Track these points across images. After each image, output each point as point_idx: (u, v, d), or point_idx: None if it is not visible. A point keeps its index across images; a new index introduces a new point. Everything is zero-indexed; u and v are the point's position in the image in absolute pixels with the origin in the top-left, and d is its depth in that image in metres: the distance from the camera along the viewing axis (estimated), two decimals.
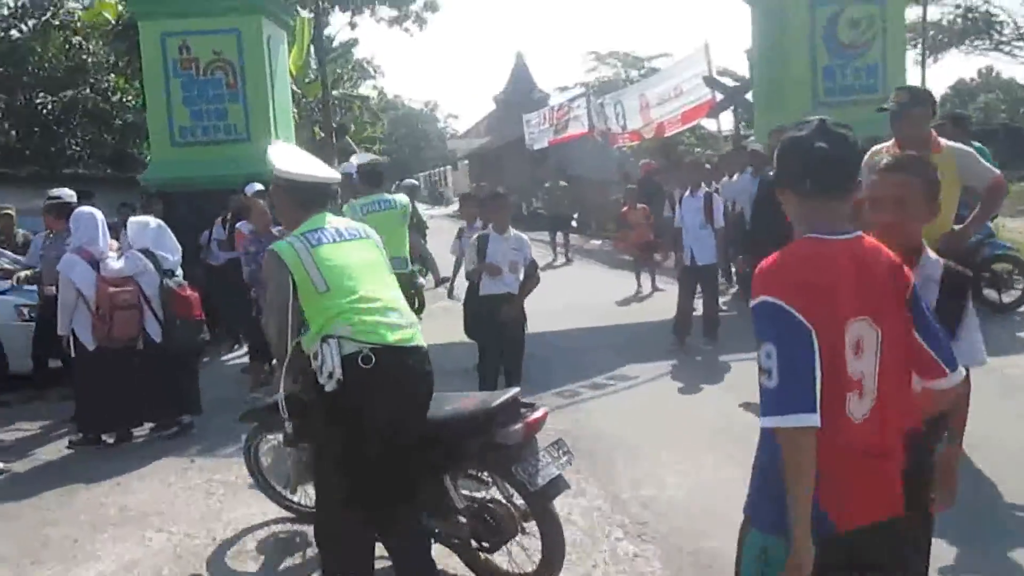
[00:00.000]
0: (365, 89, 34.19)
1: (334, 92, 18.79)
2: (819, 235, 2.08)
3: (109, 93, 23.12)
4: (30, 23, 24.59)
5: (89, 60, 23.90)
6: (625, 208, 13.25)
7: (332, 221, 3.46)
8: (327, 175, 3.62)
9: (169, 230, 6.81)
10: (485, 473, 3.67)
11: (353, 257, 3.36)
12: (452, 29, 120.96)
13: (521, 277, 6.02)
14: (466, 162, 42.03)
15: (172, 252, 6.70)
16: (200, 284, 8.23)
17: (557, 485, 3.49)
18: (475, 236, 6.25)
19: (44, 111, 22.86)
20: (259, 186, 8.69)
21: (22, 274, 8.32)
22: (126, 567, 4.26)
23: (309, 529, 4.03)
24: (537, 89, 48.89)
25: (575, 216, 19.08)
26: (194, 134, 11.07)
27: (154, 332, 6.50)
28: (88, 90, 22.90)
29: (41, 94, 23.02)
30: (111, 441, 6.32)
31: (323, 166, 3.68)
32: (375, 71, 32.82)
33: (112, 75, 23.48)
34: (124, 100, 23.13)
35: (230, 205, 9.60)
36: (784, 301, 1.98)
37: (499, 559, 3.73)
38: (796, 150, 2.13)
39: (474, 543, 3.62)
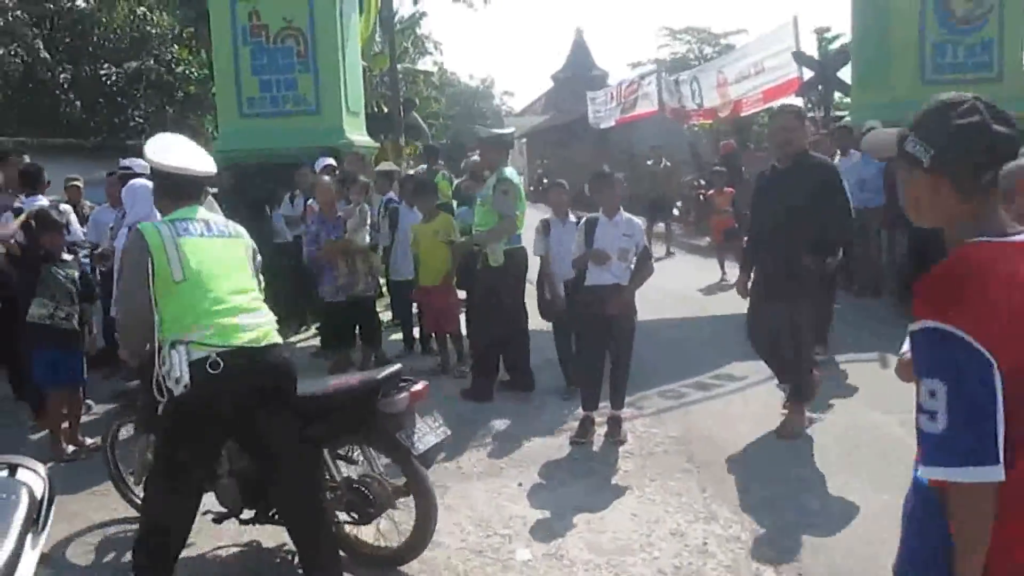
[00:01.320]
0: (425, 64, 33.78)
1: (399, 66, 18.23)
2: (993, 238, 1.70)
3: (172, 64, 23.01)
4: None
5: (153, 31, 23.81)
6: (711, 191, 12.52)
7: (202, 215, 3.41)
8: (201, 168, 3.48)
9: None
10: (357, 452, 3.88)
11: (215, 254, 3.30)
12: (509, 4, 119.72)
13: (632, 266, 5.39)
14: (524, 141, 41.43)
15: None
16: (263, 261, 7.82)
17: (435, 451, 3.79)
18: (583, 220, 5.63)
19: (108, 82, 22.85)
20: (330, 161, 8.22)
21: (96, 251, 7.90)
22: None
23: None
24: (596, 67, 48.12)
25: (677, 204, 17.83)
26: (263, 105, 10.59)
27: None
28: (152, 61, 22.78)
29: (106, 65, 22.99)
30: None
31: (201, 158, 3.54)
32: (436, 46, 32.28)
33: (176, 46, 23.34)
34: (187, 72, 22.99)
35: (297, 180, 9.17)
36: (954, 325, 1.58)
37: (367, 533, 3.88)
38: (978, 138, 1.70)
39: (346, 516, 3.75)
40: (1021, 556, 1.64)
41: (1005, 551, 1.62)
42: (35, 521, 2.43)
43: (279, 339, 3.38)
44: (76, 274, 5.55)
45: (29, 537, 2.38)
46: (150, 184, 5.88)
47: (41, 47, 22.63)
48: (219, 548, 4.09)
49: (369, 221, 6.86)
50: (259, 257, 3.60)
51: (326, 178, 7.03)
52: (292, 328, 9.35)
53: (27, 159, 7.07)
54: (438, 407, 5.51)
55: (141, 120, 23.85)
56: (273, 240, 9.00)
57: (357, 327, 7.10)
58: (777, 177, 5.33)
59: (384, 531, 3.89)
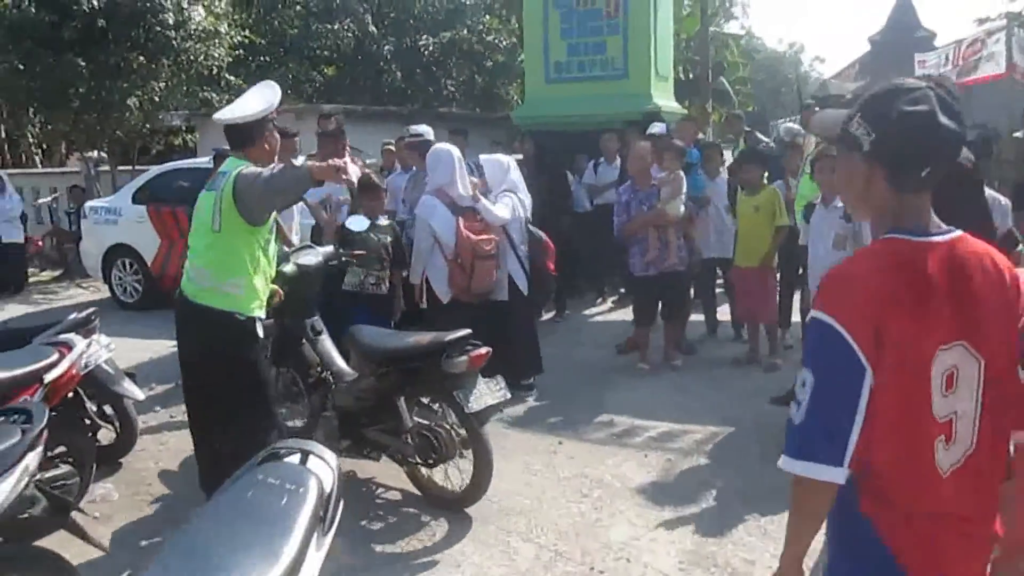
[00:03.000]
0: (731, 28, 32.17)
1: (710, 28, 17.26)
2: (907, 235, 1.62)
3: (483, 34, 23.71)
4: None
5: (467, 2, 24.73)
6: None
7: (225, 167, 3.66)
8: (241, 112, 3.64)
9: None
10: (437, 405, 4.24)
11: (199, 206, 3.69)
12: None
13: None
14: None
15: (527, 195, 6.00)
16: (563, 230, 7.51)
17: (490, 411, 4.08)
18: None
19: (426, 52, 24.07)
20: (661, 126, 7.70)
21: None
22: None
23: None
24: (922, 27, 43.12)
25: None
26: (569, 70, 10.36)
27: (522, 283, 5.83)
28: (465, 31, 23.66)
29: (424, 37, 24.25)
30: None
31: (237, 108, 3.71)
32: (744, 9, 30.59)
33: (487, 16, 24.06)
34: (496, 41, 23.60)
35: (602, 146, 8.79)
36: (840, 323, 1.56)
37: (437, 476, 4.25)
38: (920, 131, 1.56)
39: (418, 460, 4.13)
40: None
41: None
42: (322, 519, 2.17)
43: (204, 302, 3.62)
44: (389, 239, 5.50)
45: (315, 536, 2.13)
46: (453, 149, 5.79)
47: (370, 21, 24.40)
48: None
49: (684, 190, 6.26)
50: (255, 183, 3.50)
51: (642, 143, 6.51)
52: (588, 300, 9.07)
53: (331, 124, 7.20)
54: (738, 404, 4.88)
55: (453, 89, 24.94)
56: (573, 209, 8.74)
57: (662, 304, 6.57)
58: None
59: (451, 476, 4.22)
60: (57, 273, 12.83)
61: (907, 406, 1.59)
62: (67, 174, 15.51)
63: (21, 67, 11.51)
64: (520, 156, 8.59)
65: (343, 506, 2.36)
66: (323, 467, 2.32)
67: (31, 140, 18.44)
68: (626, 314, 8.21)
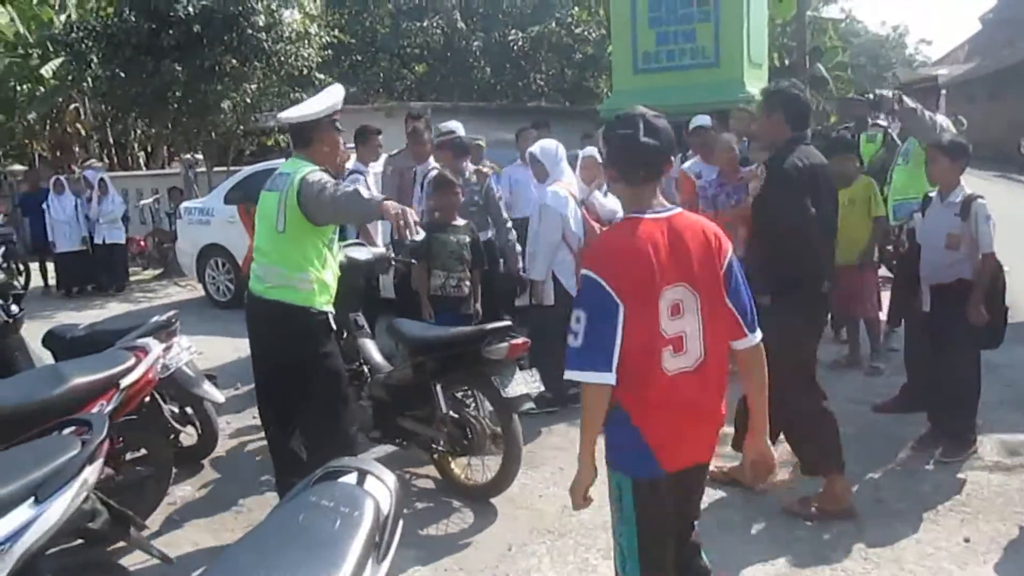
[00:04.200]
0: (830, 12, 30.97)
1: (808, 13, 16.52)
2: (640, 214, 2.39)
3: (572, 26, 23.45)
4: None
5: None
6: None
7: (286, 166, 3.69)
8: (300, 115, 3.69)
9: None
10: (471, 399, 4.33)
11: (263, 206, 3.69)
12: None
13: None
14: (943, 93, 36.33)
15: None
16: None
17: (524, 399, 4.11)
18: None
19: (515, 47, 23.97)
20: (704, 119, 7.34)
21: None
22: None
23: None
24: None
25: None
26: (658, 59, 10.06)
27: None
28: (554, 24, 23.44)
29: (512, 31, 24.15)
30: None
31: (301, 108, 3.80)
32: None
33: (576, 8, 23.78)
34: (585, 33, 23.31)
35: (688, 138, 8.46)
36: (600, 276, 2.29)
37: (461, 466, 4.37)
38: (629, 147, 2.38)
39: (449, 448, 4.21)
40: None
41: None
42: (377, 544, 2.03)
43: (276, 297, 3.60)
44: (467, 239, 5.33)
45: (370, 563, 1.99)
46: (558, 144, 5.58)
47: (459, 18, 24.45)
48: None
49: None
50: (321, 194, 3.46)
51: (727, 135, 6.20)
52: None
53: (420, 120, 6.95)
54: (837, 412, 4.60)
55: (542, 83, 24.76)
56: None
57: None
58: None
59: (474, 467, 4.34)
60: (157, 272, 13.27)
61: (642, 327, 2.28)
62: (169, 176, 16.04)
63: (122, 74, 11.92)
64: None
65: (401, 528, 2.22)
66: (381, 488, 2.18)
67: (135, 143, 19.18)
68: None
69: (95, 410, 3.55)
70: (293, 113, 3.71)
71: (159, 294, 11.61)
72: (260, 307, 3.66)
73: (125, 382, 3.66)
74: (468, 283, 5.35)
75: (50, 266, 12.09)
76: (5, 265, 5.27)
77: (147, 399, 4.09)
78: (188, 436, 4.84)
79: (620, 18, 10.45)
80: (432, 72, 25.61)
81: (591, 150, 5.80)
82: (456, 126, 6.36)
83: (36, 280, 12.22)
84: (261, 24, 12.04)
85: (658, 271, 2.28)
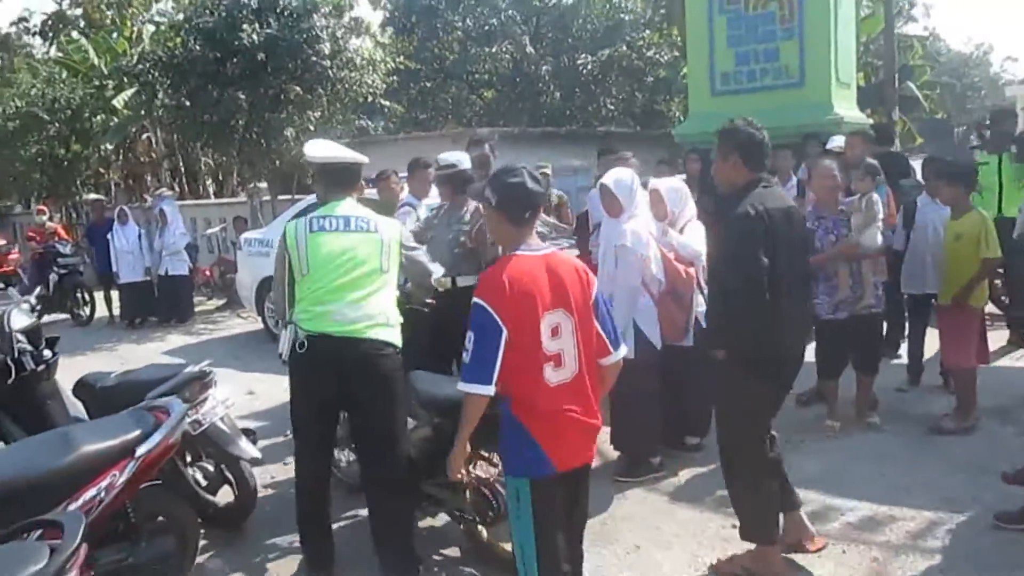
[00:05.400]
0: (913, 29, 29.77)
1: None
2: (523, 251, 2.82)
3: (644, 49, 22.93)
4: None
5: (626, 18, 24.03)
6: None
7: (345, 209, 3.75)
8: (354, 157, 3.88)
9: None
10: (497, 458, 3.89)
11: (342, 247, 3.65)
12: None
13: None
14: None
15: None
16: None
17: None
18: None
19: (584, 71, 23.58)
20: (838, 140, 6.70)
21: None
22: None
23: None
24: None
25: None
26: (737, 80, 9.44)
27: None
28: (624, 47, 22.96)
29: (582, 55, 23.76)
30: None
31: (348, 152, 3.92)
32: (927, 10, 28.14)
33: (647, 31, 23.26)
34: (657, 56, 22.76)
35: (776, 164, 7.82)
36: (489, 304, 2.70)
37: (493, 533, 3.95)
38: (519, 190, 2.82)
39: (475, 517, 3.87)
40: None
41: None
42: None
43: (376, 336, 3.62)
44: None
45: None
46: (635, 182, 4.99)
47: (527, 43, 24.21)
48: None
49: (881, 215, 5.26)
50: (408, 249, 3.91)
51: (827, 161, 5.54)
52: None
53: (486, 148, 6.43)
54: (960, 479, 3.90)
55: (612, 107, 24.27)
56: None
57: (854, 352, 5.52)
58: None
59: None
60: (221, 302, 13.11)
61: (527, 346, 2.71)
62: (237, 204, 15.99)
63: (188, 103, 11.84)
64: (684, 175, 7.79)
65: None
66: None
67: (205, 172, 19.30)
68: (808, 356, 7.19)
69: (106, 482, 3.13)
70: (350, 158, 3.87)
71: (220, 326, 11.40)
72: (350, 347, 3.58)
73: (142, 449, 3.24)
74: None
75: (115, 296, 12.00)
76: (39, 306, 4.91)
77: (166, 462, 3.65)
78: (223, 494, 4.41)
79: (697, 38, 9.89)
80: (501, 98, 25.39)
81: (657, 182, 5.20)
82: (459, 158, 5.43)
83: (101, 310, 12.15)
84: (326, 52, 11.82)
85: (539, 299, 2.71)
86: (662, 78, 23.02)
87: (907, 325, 6.57)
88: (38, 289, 5.39)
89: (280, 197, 14.10)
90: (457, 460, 2.93)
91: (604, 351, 2.90)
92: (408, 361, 3.90)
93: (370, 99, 13.20)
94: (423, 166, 5.77)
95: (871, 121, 10.60)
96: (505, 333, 2.67)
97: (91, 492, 3.09)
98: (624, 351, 2.99)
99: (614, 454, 5.03)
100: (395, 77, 15.37)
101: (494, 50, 24.04)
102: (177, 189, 18.63)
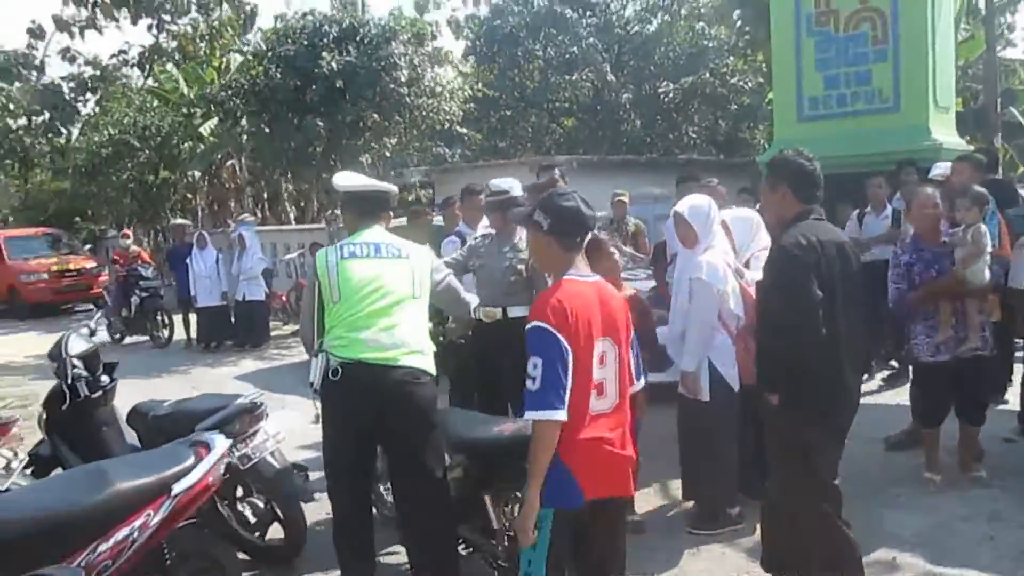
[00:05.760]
0: (1009, 54, 28.37)
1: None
2: (576, 276, 2.76)
3: (727, 76, 22.44)
4: (660, 16, 25.31)
5: (709, 44, 23.62)
6: None
7: (375, 236, 3.71)
8: (382, 186, 3.94)
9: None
10: None
11: (374, 273, 3.60)
12: None
13: None
14: None
15: None
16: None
17: None
18: None
19: (666, 99, 23.22)
20: (943, 167, 6.25)
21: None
22: None
23: None
24: None
25: None
26: (826, 105, 8.99)
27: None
28: (707, 75, 22.52)
29: (664, 83, 23.42)
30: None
31: (378, 182, 4.01)
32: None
33: (731, 57, 22.78)
34: (741, 83, 22.25)
35: (870, 194, 7.38)
36: (551, 326, 2.60)
37: None
38: (573, 214, 2.75)
39: (510, 564, 3.61)
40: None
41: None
42: None
43: (411, 363, 3.53)
44: None
45: None
46: (713, 209, 4.63)
47: (608, 71, 23.98)
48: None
49: (989, 248, 4.79)
50: (439, 276, 3.83)
51: (929, 189, 5.08)
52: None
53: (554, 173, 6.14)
54: None
55: (693, 135, 23.82)
56: None
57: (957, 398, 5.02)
58: None
59: None
60: (296, 327, 13.15)
61: (580, 373, 2.64)
62: (315, 231, 16.14)
63: (267, 130, 12.00)
64: (759, 205, 7.40)
65: None
66: None
67: (285, 198, 19.63)
68: (898, 396, 6.68)
69: (139, 521, 2.96)
70: (381, 186, 3.94)
71: (293, 351, 11.39)
72: (386, 374, 3.48)
73: (179, 487, 3.06)
74: None
75: (193, 319, 12.16)
76: (100, 330, 4.86)
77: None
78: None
79: (783, 62, 9.48)
80: (581, 126, 25.20)
81: (724, 212, 4.80)
82: (511, 184, 5.10)
83: (180, 333, 12.33)
84: (403, 79, 11.83)
85: (593, 325, 2.67)
86: (746, 105, 22.49)
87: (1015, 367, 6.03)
88: (98, 314, 5.34)
89: None
90: (528, 518, 2.61)
91: (631, 381, 2.89)
92: (458, 395, 3.72)
93: (447, 126, 13.16)
94: (474, 193, 5.61)
95: (971, 148, 9.96)
96: (572, 354, 2.59)
97: (124, 532, 2.93)
98: (642, 384, 3.02)
99: (688, 504, 4.67)
100: (473, 105, 15.32)
101: (575, 78, 23.86)
102: (259, 215, 19.00)
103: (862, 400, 6.83)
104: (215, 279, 11.56)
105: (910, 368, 5.69)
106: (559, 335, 2.58)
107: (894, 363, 7.41)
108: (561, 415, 2.56)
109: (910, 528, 4.32)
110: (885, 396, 6.93)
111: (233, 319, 11.81)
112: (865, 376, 7.40)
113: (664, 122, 23.97)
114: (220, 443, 3.30)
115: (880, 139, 8.21)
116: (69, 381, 4.29)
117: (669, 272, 5.87)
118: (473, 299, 4.16)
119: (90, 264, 17.90)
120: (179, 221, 15.03)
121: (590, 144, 23.20)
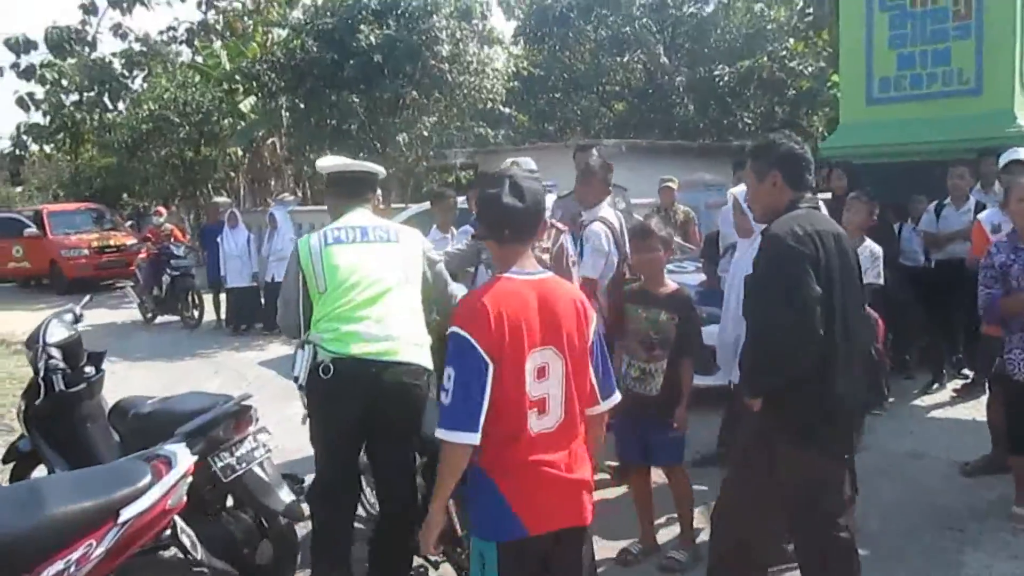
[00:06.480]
0: None
1: None
2: (513, 274, 2.39)
3: (786, 60, 21.45)
4: None
5: (768, 27, 22.64)
6: None
7: (361, 219, 3.51)
8: (368, 167, 3.73)
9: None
10: None
11: (360, 259, 3.38)
12: None
13: None
14: None
15: None
16: (884, 291, 5.45)
17: None
18: None
19: (721, 83, 22.33)
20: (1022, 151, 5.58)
21: None
22: None
23: None
24: None
25: None
26: (899, 86, 8.23)
27: None
28: (765, 58, 21.57)
29: (720, 66, 22.52)
30: None
31: (360, 163, 3.80)
32: None
33: (791, 39, 21.80)
34: (801, 67, 21.25)
35: (950, 185, 6.67)
36: (471, 335, 2.26)
37: None
38: (493, 205, 2.38)
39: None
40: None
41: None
42: None
43: (408, 358, 3.31)
44: (663, 316, 3.94)
45: None
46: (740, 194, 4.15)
47: (662, 53, 23.16)
48: None
49: None
50: (432, 263, 3.63)
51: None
52: (920, 384, 6.85)
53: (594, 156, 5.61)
54: None
55: (749, 121, 22.90)
56: (900, 263, 6.68)
57: None
58: None
59: None
60: None
61: (509, 388, 2.29)
62: None
63: (303, 106, 11.58)
64: (828, 194, 6.77)
65: None
66: None
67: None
68: (973, 411, 6.01)
69: (77, 554, 2.48)
70: (366, 166, 3.73)
71: None
72: (383, 370, 3.25)
73: (128, 513, 2.58)
74: (661, 376, 3.93)
75: (223, 300, 11.82)
76: (82, 317, 4.41)
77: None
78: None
79: (851, 39, 8.72)
80: (632, 110, 24.43)
81: (735, 191, 4.32)
82: (527, 163, 4.88)
83: (210, 313, 12.01)
84: (444, 54, 11.30)
85: (529, 332, 2.32)
86: (805, 90, 21.50)
87: None
88: (86, 298, 4.91)
89: (393, 205, 13.70)
90: (431, 530, 2.39)
91: (592, 401, 2.49)
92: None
93: (489, 105, 12.60)
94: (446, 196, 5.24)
95: None
96: (492, 369, 2.26)
97: (57, 566, 2.45)
98: (615, 401, 2.56)
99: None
100: (517, 84, 14.75)
101: (626, 60, 23.11)
102: (299, 194, 18.68)
103: (930, 415, 6.26)
104: (245, 259, 11.15)
105: (986, 382, 5.09)
106: (477, 346, 2.25)
107: (967, 371, 6.74)
108: (470, 438, 2.25)
109: (995, 574, 3.70)
110: (958, 410, 6.26)
111: (263, 301, 11.44)
112: (935, 386, 6.74)
113: (718, 107, 23.06)
114: (183, 459, 2.81)
115: (959, 125, 7.46)
116: (43, 373, 3.86)
117: (723, 265, 5.40)
118: (460, 290, 3.82)
119: (131, 241, 17.73)
120: (218, 199, 14.74)
121: (641, 129, 22.43)
